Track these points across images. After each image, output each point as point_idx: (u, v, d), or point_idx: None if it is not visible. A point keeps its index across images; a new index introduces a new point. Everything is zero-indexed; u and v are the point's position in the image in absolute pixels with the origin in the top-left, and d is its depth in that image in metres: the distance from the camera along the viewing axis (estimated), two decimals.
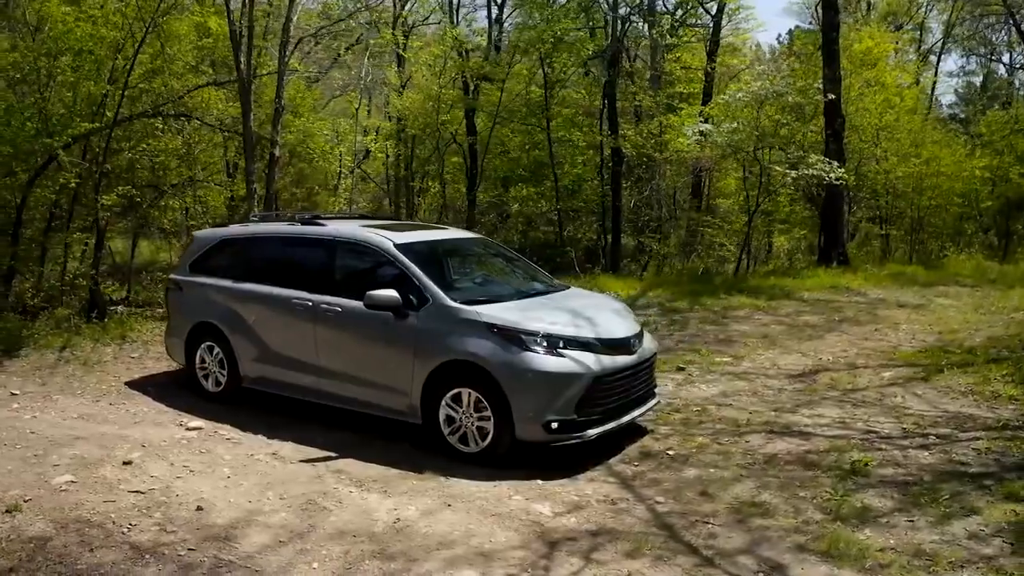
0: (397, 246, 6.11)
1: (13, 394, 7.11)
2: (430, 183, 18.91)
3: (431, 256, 6.33)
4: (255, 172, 10.66)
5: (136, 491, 5.08)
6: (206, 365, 7.15)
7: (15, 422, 6.32)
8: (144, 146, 11.17)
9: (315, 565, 4.16)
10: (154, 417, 6.68)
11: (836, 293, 12.82)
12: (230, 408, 6.88)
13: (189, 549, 4.32)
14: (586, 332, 5.62)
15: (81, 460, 5.55)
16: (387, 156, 24.01)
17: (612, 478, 5.35)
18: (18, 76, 9.58)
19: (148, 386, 7.52)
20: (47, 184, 9.90)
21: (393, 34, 18.89)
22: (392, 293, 5.74)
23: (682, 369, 8.43)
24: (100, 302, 9.63)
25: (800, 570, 4.06)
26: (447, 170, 20.48)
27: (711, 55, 20.60)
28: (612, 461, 5.65)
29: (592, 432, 5.45)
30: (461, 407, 5.58)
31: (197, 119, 11.93)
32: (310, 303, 6.33)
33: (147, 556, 4.22)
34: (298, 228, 6.85)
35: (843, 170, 13.20)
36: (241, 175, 12.51)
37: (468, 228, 16.25)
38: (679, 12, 22.23)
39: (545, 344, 5.41)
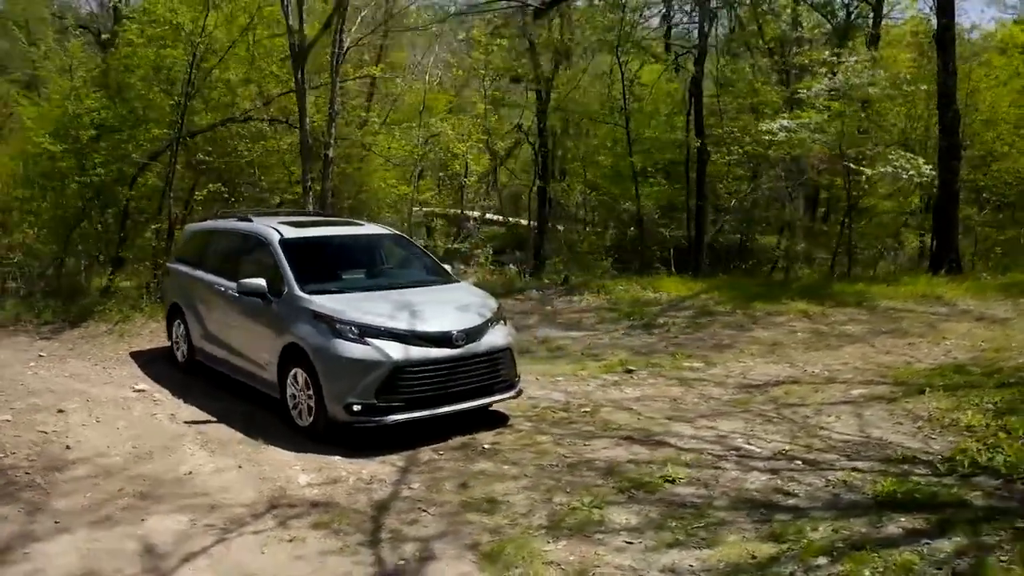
0: (280, 241, 6.78)
1: (40, 356, 8.78)
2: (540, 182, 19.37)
3: (311, 251, 6.90)
4: (311, 172, 11.87)
5: (43, 431, 6.22)
6: (177, 339, 8.33)
7: (19, 376, 7.86)
8: (240, 147, 12.97)
9: (88, 494, 4.99)
10: (122, 380, 7.92)
11: (919, 302, 11.36)
12: (187, 377, 7.94)
13: (26, 473, 5.35)
14: (401, 324, 5.89)
15: (33, 406, 6.84)
16: (536, 156, 24.70)
17: (402, 462, 5.58)
18: (114, 92, 11.64)
19: (143, 357, 8.86)
20: (144, 184, 11.94)
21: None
22: (259, 281, 6.42)
23: (630, 371, 8.22)
24: None
25: (444, 565, 4.11)
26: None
27: (871, 46, 18.75)
28: (426, 448, 5.84)
29: (393, 418, 5.73)
30: (298, 385, 6.12)
31: (284, 121, 13.49)
32: (223, 288, 7.21)
33: None
34: (232, 223, 7.79)
35: (929, 166, 11.58)
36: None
37: (540, 223, 16.49)
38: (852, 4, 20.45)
39: (355, 332, 5.79)
